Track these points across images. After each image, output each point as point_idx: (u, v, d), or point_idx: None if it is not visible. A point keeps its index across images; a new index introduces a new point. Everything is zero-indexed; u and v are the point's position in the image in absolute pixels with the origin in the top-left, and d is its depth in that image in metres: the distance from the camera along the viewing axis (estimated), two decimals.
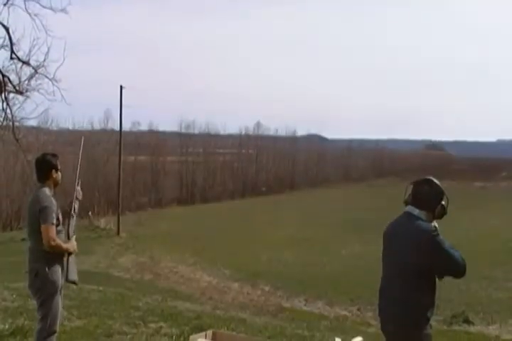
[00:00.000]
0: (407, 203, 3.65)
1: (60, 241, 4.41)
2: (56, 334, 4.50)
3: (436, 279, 3.55)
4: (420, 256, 3.42)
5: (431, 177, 3.64)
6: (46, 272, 4.38)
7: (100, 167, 44.25)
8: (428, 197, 3.56)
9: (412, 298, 3.48)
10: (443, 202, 3.59)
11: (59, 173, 4.61)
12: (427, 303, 3.52)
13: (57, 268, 4.45)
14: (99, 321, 6.78)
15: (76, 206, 4.70)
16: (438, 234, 3.45)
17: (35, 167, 4.61)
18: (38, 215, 4.38)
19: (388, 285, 3.67)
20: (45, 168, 4.57)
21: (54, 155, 4.68)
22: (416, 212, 3.56)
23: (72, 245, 4.55)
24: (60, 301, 4.49)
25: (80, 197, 4.75)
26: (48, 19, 12.01)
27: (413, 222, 3.53)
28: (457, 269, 3.48)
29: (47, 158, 4.61)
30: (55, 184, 4.61)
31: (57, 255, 4.46)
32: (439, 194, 3.58)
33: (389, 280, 3.66)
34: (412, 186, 3.66)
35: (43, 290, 4.42)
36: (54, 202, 4.45)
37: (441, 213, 3.60)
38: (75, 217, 4.67)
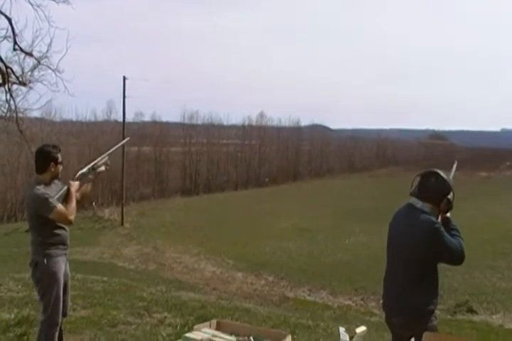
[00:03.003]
0: (412, 195, 3.63)
1: (66, 206, 4.36)
2: (59, 326, 4.51)
3: (438, 271, 3.56)
4: (421, 249, 3.42)
5: (438, 170, 3.61)
6: (45, 264, 4.36)
7: None
8: (433, 190, 3.53)
9: (415, 291, 3.48)
10: (449, 196, 3.56)
11: (59, 166, 4.47)
12: (430, 296, 3.51)
13: (57, 260, 4.42)
14: (103, 311, 6.81)
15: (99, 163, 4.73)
16: (439, 227, 3.43)
17: (35, 157, 4.49)
18: (38, 212, 4.32)
19: (391, 278, 3.67)
20: (43, 159, 4.43)
21: (55, 147, 4.53)
22: (419, 204, 3.54)
23: (74, 186, 4.51)
24: (60, 293, 4.47)
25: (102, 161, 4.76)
26: (50, 10, 11.98)
27: (415, 216, 3.50)
28: (454, 260, 3.50)
29: (46, 149, 4.46)
30: (54, 177, 4.47)
31: (58, 248, 4.46)
32: (445, 187, 3.55)
33: (392, 273, 3.66)
34: (418, 178, 3.64)
35: (42, 282, 4.41)
36: (48, 191, 4.36)
37: (447, 207, 3.58)
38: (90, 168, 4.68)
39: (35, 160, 4.50)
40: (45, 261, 4.35)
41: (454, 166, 3.94)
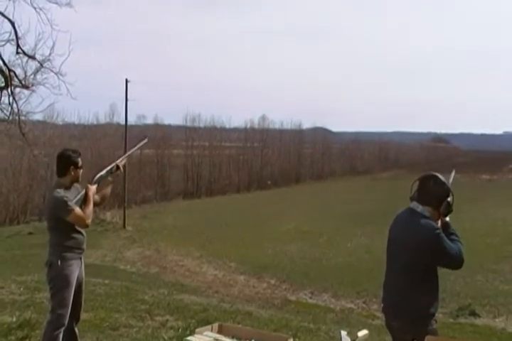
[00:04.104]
0: (412, 200, 3.63)
1: (83, 210, 4.46)
2: (64, 327, 4.53)
3: (439, 275, 3.56)
4: (421, 253, 3.42)
5: (436, 174, 3.62)
6: (59, 265, 4.43)
7: (106, 160, 44.20)
8: (433, 194, 3.54)
9: (415, 295, 3.47)
10: (448, 199, 3.57)
11: (79, 170, 4.59)
12: (430, 300, 3.51)
13: (71, 263, 4.50)
14: (105, 314, 6.81)
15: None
16: (439, 233, 3.44)
17: (56, 161, 4.62)
18: (57, 215, 4.43)
19: (391, 282, 3.67)
20: (63, 163, 4.56)
21: (75, 152, 4.66)
22: (419, 208, 3.54)
23: (92, 190, 4.60)
24: (70, 296, 4.51)
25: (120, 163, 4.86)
26: (53, 13, 12.05)
27: (415, 220, 3.51)
28: (453, 265, 3.51)
29: (67, 153, 4.59)
30: (74, 180, 4.59)
31: (73, 251, 4.50)
32: (445, 191, 3.55)
33: (392, 277, 3.66)
34: (417, 182, 3.64)
35: (55, 283, 4.49)
36: (67, 194, 4.47)
37: (447, 210, 3.58)
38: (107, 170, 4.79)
39: (56, 165, 4.63)
40: (59, 262, 4.44)
41: (453, 173, 3.95)
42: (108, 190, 4.90)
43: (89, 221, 4.47)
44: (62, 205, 4.38)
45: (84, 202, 4.53)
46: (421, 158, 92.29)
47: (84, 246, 4.64)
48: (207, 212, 33.66)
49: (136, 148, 5.39)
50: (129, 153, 5.20)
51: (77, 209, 4.41)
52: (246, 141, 61.91)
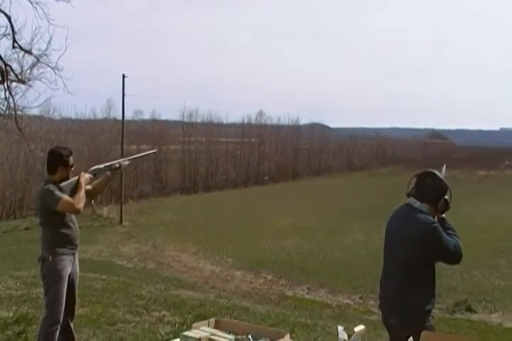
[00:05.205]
0: (409, 196, 3.63)
1: (73, 196, 4.42)
2: (61, 324, 4.52)
3: (436, 271, 3.56)
4: (419, 248, 3.42)
5: (434, 171, 3.62)
6: (50, 261, 4.41)
7: (103, 156, 44.12)
8: (430, 191, 3.53)
9: (411, 292, 3.47)
10: (446, 197, 3.57)
11: (69, 169, 4.53)
12: (428, 296, 3.51)
13: (63, 258, 4.47)
14: (102, 309, 6.81)
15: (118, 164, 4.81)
16: (437, 227, 3.44)
17: (46, 158, 4.58)
18: (46, 205, 4.41)
19: (388, 279, 3.66)
20: (53, 161, 4.52)
21: (67, 150, 4.58)
22: (417, 204, 3.54)
23: (84, 177, 4.56)
24: (63, 291, 4.50)
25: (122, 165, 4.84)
26: (49, 8, 12.01)
27: (412, 215, 3.50)
28: (452, 259, 3.52)
29: (57, 151, 4.54)
30: (64, 179, 4.52)
31: (65, 246, 4.48)
32: (442, 188, 3.55)
33: (388, 274, 3.66)
34: (415, 179, 3.64)
35: (47, 278, 4.48)
36: (57, 188, 4.44)
37: (444, 208, 3.58)
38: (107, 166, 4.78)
39: (46, 161, 4.58)
40: (50, 258, 4.42)
41: (444, 168, 3.94)
42: (102, 184, 4.85)
43: (79, 206, 4.39)
44: (50, 195, 4.35)
45: (75, 188, 4.49)
46: (418, 154, 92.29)
47: (77, 241, 4.60)
48: (204, 207, 33.66)
49: (142, 154, 5.44)
50: (133, 157, 5.19)
51: (65, 197, 4.37)
52: (243, 136, 61.85)
